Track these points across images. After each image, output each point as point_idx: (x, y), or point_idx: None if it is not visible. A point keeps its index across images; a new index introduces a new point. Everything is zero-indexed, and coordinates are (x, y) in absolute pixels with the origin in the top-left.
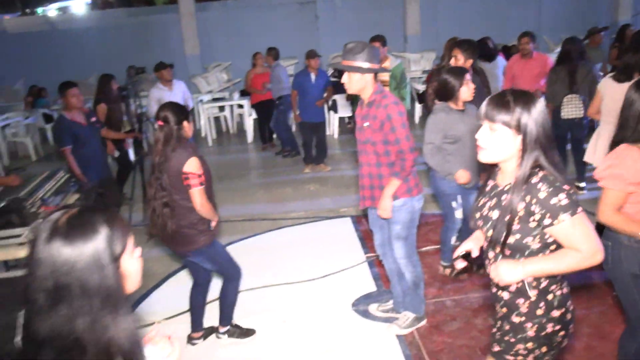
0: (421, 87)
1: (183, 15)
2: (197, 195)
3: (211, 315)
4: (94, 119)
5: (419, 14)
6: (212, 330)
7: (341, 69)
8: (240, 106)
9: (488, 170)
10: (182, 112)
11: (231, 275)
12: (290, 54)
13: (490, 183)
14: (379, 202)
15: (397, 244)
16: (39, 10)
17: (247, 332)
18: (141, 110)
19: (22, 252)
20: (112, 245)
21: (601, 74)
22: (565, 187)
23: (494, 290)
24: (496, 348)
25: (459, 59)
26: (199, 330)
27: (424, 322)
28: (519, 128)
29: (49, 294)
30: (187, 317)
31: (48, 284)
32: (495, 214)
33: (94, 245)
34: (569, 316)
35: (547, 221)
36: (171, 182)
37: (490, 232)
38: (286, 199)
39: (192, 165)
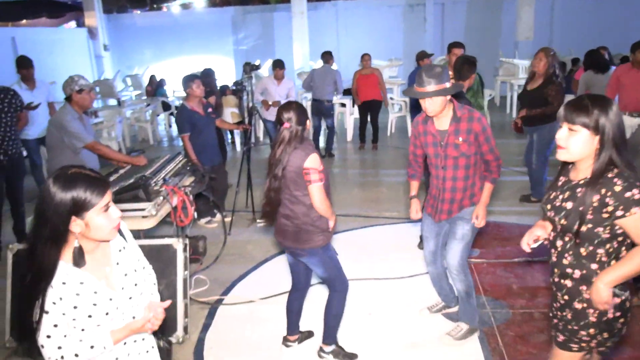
0: None
1: (295, 14)
2: (316, 191)
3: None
4: (210, 110)
5: (533, 20)
6: (308, 334)
7: (433, 95)
8: (343, 105)
9: None
10: (304, 113)
11: (338, 285)
12: (396, 55)
13: (562, 179)
14: (478, 209)
15: (457, 247)
16: (165, 6)
17: (351, 356)
18: (252, 104)
19: (145, 224)
20: (77, 201)
21: None
22: (638, 183)
23: (557, 279)
24: (561, 338)
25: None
26: (295, 333)
27: (477, 334)
28: (597, 129)
29: (34, 211)
30: (280, 299)
31: (37, 203)
32: (569, 205)
33: (65, 195)
34: (627, 304)
35: (619, 213)
36: (292, 179)
37: (563, 221)
38: (380, 198)
39: (313, 161)
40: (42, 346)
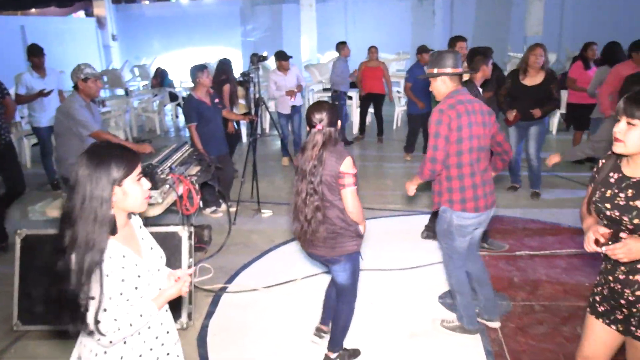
0: None
1: (303, 6)
2: (351, 196)
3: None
4: (217, 100)
5: (543, 14)
6: None
7: (425, 77)
8: (349, 97)
9: None
10: (335, 113)
11: (350, 296)
12: (403, 48)
13: (614, 175)
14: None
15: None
16: None
17: (354, 353)
18: (259, 95)
19: (150, 212)
20: (113, 172)
21: None
22: None
23: (623, 276)
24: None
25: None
26: (328, 324)
27: (472, 336)
28: None
29: (70, 188)
30: (283, 288)
31: (71, 181)
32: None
33: (100, 169)
34: None
35: None
36: (326, 183)
37: (636, 220)
38: (385, 190)
39: (348, 165)
40: (99, 321)
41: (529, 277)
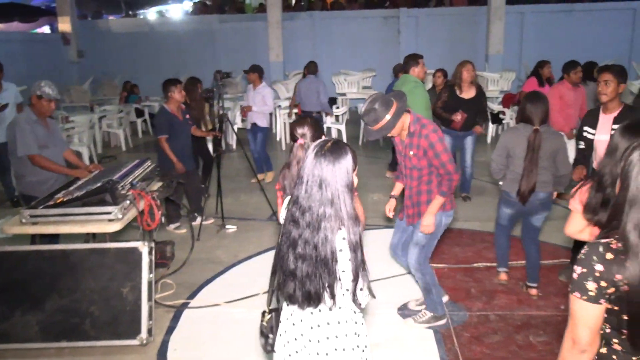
0: (496, 108)
1: (270, 24)
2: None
3: None
4: (187, 116)
5: (503, 33)
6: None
7: (377, 137)
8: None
9: None
10: (319, 128)
11: None
12: (369, 66)
13: None
14: (423, 218)
15: (413, 249)
16: (141, 12)
17: None
18: (223, 112)
19: (110, 228)
20: (353, 161)
21: None
22: (598, 268)
23: None
24: None
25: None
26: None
27: (442, 322)
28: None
29: (315, 184)
30: (245, 303)
31: (316, 180)
32: None
33: (345, 160)
34: None
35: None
36: None
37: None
38: (368, 205)
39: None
40: (360, 290)
41: (486, 287)
